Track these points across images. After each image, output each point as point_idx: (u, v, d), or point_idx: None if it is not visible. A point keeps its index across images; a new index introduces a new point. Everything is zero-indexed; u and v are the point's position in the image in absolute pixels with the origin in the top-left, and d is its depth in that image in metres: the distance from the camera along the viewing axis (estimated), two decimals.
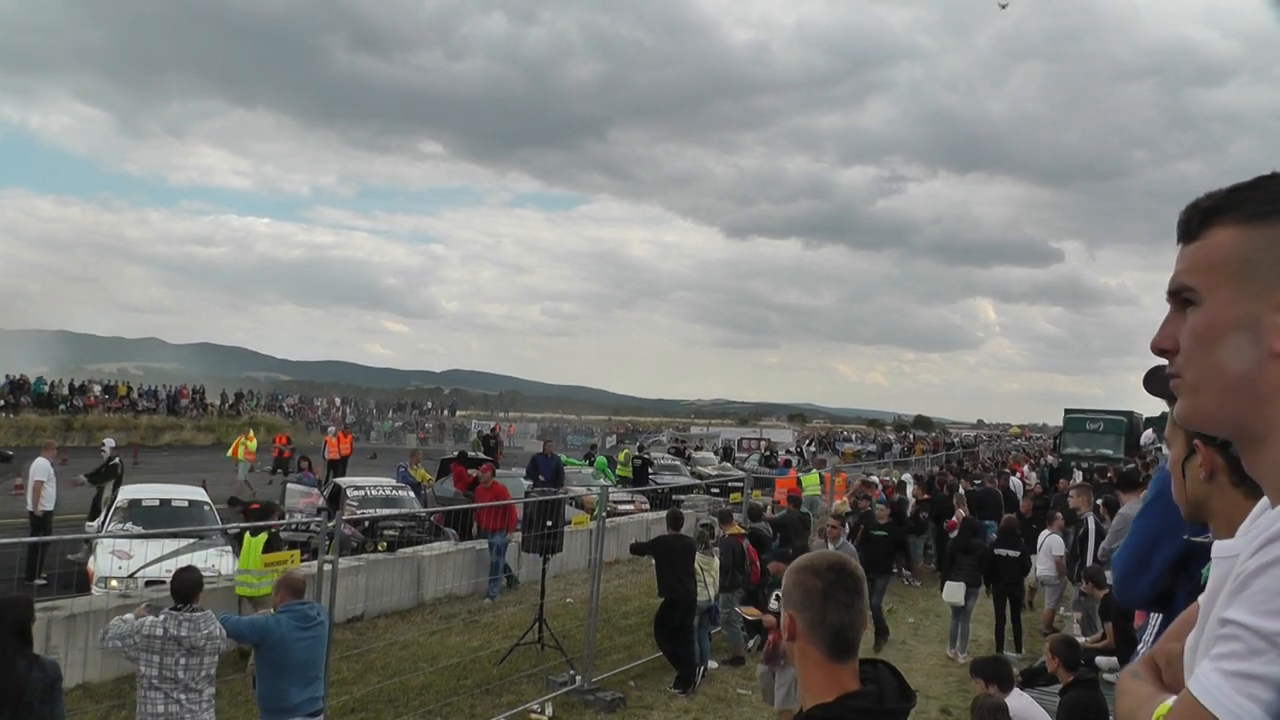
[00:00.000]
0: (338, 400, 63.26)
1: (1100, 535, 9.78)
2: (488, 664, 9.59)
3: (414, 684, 8.85)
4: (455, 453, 23.37)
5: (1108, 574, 8.59)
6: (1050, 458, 31.93)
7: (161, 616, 5.28)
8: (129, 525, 11.69)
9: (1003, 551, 11.16)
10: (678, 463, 28.63)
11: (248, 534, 9.44)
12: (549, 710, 8.44)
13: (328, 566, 7.29)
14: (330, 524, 7.71)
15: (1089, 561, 9.93)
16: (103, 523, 12.55)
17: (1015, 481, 21.47)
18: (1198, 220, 1.13)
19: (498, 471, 19.97)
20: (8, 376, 39.37)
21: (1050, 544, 11.69)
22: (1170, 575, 2.57)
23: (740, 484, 14.44)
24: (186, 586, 5.47)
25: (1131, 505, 8.37)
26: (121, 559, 10.50)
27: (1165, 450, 2.61)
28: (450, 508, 14.95)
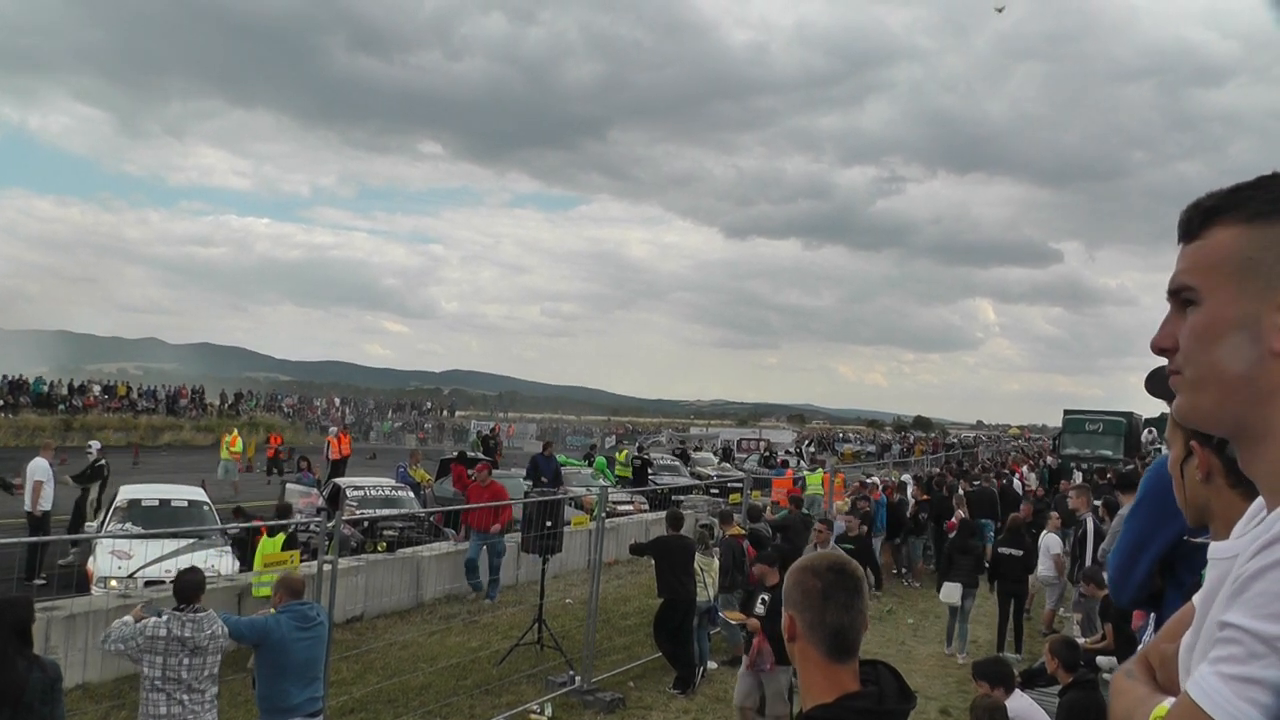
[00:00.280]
0: (337, 400, 63.23)
1: (1099, 536, 9.79)
2: (487, 664, 9.59)
3: (413, 684, 8.85)
4: (454, 453, 23.36)
5: (1106, 575, 8.62)
6: (1050, 458, 31.91)
7: (165, 617, 5.28)
8: (128, 525, 11.68)
9: (1007, 550, 11.21)
10: (677, 463, 28.62)
11: (265, 535, 9.43)
12: (548, 710, 8.44)
13: (327, 567, 7.29)
14: (330, 524, 7.71)
15: (1088, 562, 9.93)
16: (103, 523, 12.53)
17: (1016, 483, 21.49)
18: (1199, 220, 1.13)
19: (497, 472, 20.03)
20: (5, 376, 39.36)
21: (1047, 543, 11.70)
22: (1159, 576, 2.58)
23: (740, 485, 14.43)
24: (190, 587, 5.47)
25: (1130, 506, 8.41)
26: (121, 559, 10.51)
27: (1165, 451, 2.61)
28: (450, 508, 14.94)
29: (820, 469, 21.64)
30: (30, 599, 5.34)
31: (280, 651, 5.59)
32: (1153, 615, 2.87)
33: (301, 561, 8.20)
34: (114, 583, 10.17)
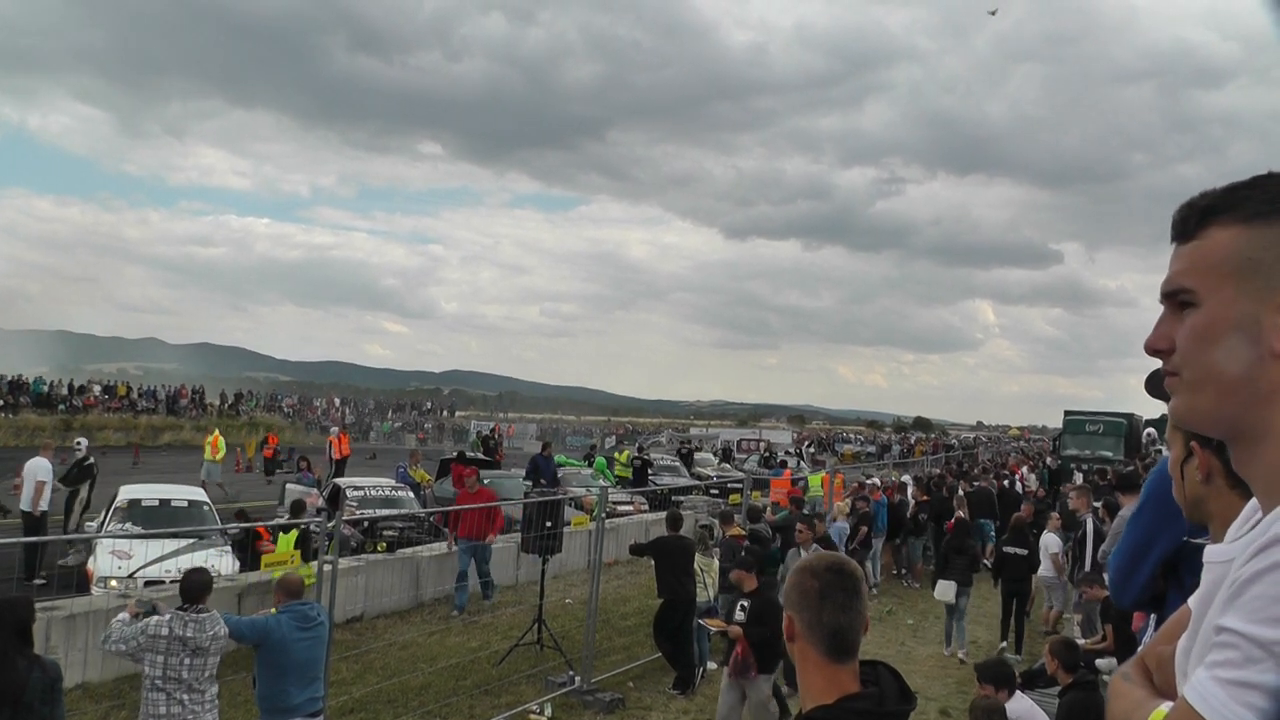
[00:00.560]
0: (337, 401, 63.28)
1: (1099, 537, 9.78)
2: (487, 664, 9.59)
3: (413, 684, 8.85)
4: (454, 453, 23.36)
5: (1106, 576, 8.61)
6: (1050, 459, 31.89)
7: (168, 616, 5.28)
8: (128, 525, 11.68)
9: (1011, 549, 11.27)
10: (677, 464, 28.61)
11: (281, 533, 9.42)
12: (548, 711, 8.44)
13: (327, 567, 7.29)
14: (330, 524, 7.71)
15: (1088, 563, 9.93)
16: (103, 523, 12.52)
17: (1016, 484, 21.49)
18: (1195, 220, 1.11)
19: (498, 473, 20.04)
20: (5, 376, 39.37)
21: (1046, 542, 11.70)
22: (1162, 577, 2.58)
23: (739, 485, 14.43)
24: (197, 588, 5.47)
25: (1130, 507, 8.39)
26: (121, 559, 10.50)
27: (1165, 452, 2.61)
28: (449, 508, 14.94)
29: (820, 470, 21.65)
30: (31, 599, 5.34)
31: (280, 651, 5.59)
32: (1154, 617, 2.87)
33: (301, 562, 8.21)
34: (114, 583, 10.16)
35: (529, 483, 18.06)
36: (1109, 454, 28.63)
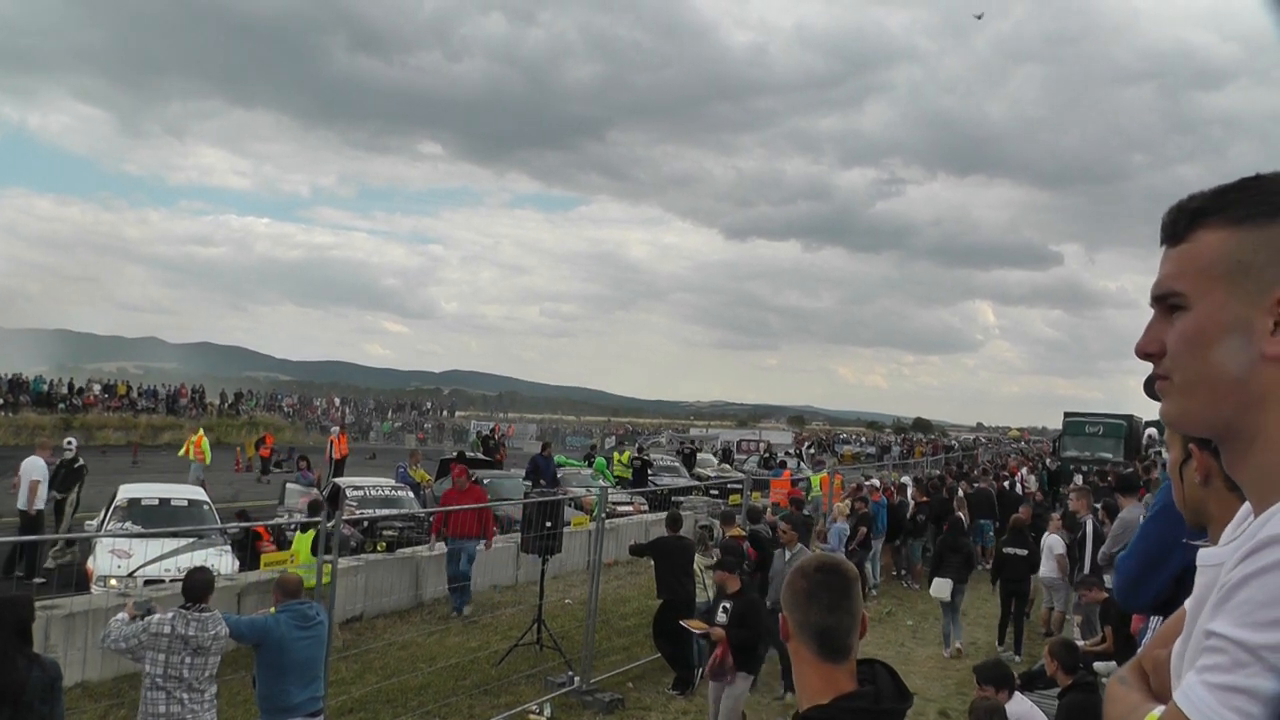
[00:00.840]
0: (337, 400, 63.31)
1: (1099, 539, 9.78)
2: (486, 665, 9.59)
3: (413, 684, 8.85)
4: (454, 453, 23.37)
5: (1107, 578, 8.60)
6: (1049, 461, 31.89)
7: (170, 615, 5.28)
8: (128, 524, 11.69)
9: (1011, 550, 11.28)
10: (677, 464, 28.60)
11: (298, 531, 9.40)
12: (547, 711, 8.44)
13: (327, 566, 7.29)
14: (329, 524, 7.71)
15: (1088, 565, 9.93)
16: (102, 522, 12.52)
17: (1016, 485, 21.48)
18: (1184, 222, 1.10)
19: (498, 472, 20.04)
20: (6, 375, 39.37)
21: (1050, 543, 11.69)
22: (1174, 584, 2.56)
23: (739, 486, 14.43)
24: (199, 587, 5.47)
25: (1131, 509, 8.40)
26: (121, 558, 10.50)
27: (1165, 454, 2.60)
28: (449, 508, 14.94)
29: (820, 470, 21.66)
30: (31, 598, 5.35)
31: (280, 651, 5.60)
32: (1154, 619, 2.86)
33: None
34: (114, 581, 10.16)
35: (529, 483, 18.08)
36: (1109, 455, 28.63)
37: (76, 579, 10.27)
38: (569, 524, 11.33)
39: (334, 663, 7.61)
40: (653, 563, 9.87)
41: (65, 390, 41.21)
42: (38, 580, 11.45)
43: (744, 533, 11.08)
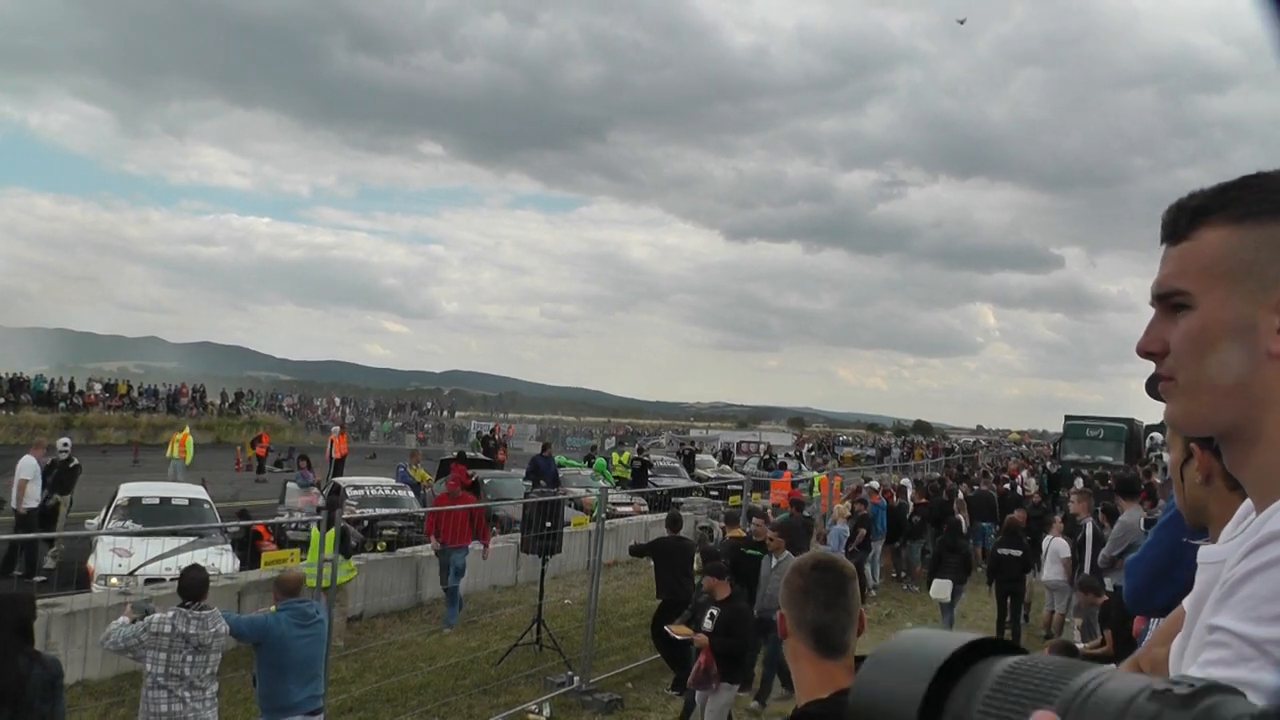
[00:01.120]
0: (337, 400, 63.35)
1: (1099, 542, 9.77)
2: (486, 664, 9.59)
3: (412, 684, 8.86)
4: (455, 453, 23.38)
5: (1107, 581, 8.61)
6: (1050, 464, 31.91)
7: (170, 614, 5.29)
8: (129, 523, 11.70)
9: (1005, 551, 11.29)
10: (677, 465, 28.61)
11: (315, 527, 9.37)
12: (547, 711, 8.45)
13: (327, 566, 7.30)
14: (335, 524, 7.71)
15: (1088, 567, 9.92)
16: (103, 520, 12.52)
17: (1017, 488, 21.50)
18: (1185, 220, 1.09)
19: (498, 473, 20.04)
20: (6, 374, 39.39)
21: (1055, 547, 11.67)
22: (1187, 589, 2.52)
23: (739, 487, 14.44)
24: (196, 585, 5.48)
25: (1131, 512, 8.42)
26: (122, 557, 10.51)
27: (1167, 457, 2.59)
28: (448, 508, 14.94)
29: (820, 472, 21.67)
30: (32, 596, 5.37)
31: (280, 650, 5.60)
32: (1153, 622, 2.85)
33: (301, 560, 8.22)
34: (114, 580, 10.17)
35: (529, 483, 18.09)
36: (1109, 459, 28.66)
37: (77, 577, 10.27)
38: (569, 524, 11.33)
39: (334, 662, 7.62)
40: (652, 563, 9.87)
41: (66, 389, 41.23)
42: (38, 578, 11.46)
43: (745, 534, 11.10)
